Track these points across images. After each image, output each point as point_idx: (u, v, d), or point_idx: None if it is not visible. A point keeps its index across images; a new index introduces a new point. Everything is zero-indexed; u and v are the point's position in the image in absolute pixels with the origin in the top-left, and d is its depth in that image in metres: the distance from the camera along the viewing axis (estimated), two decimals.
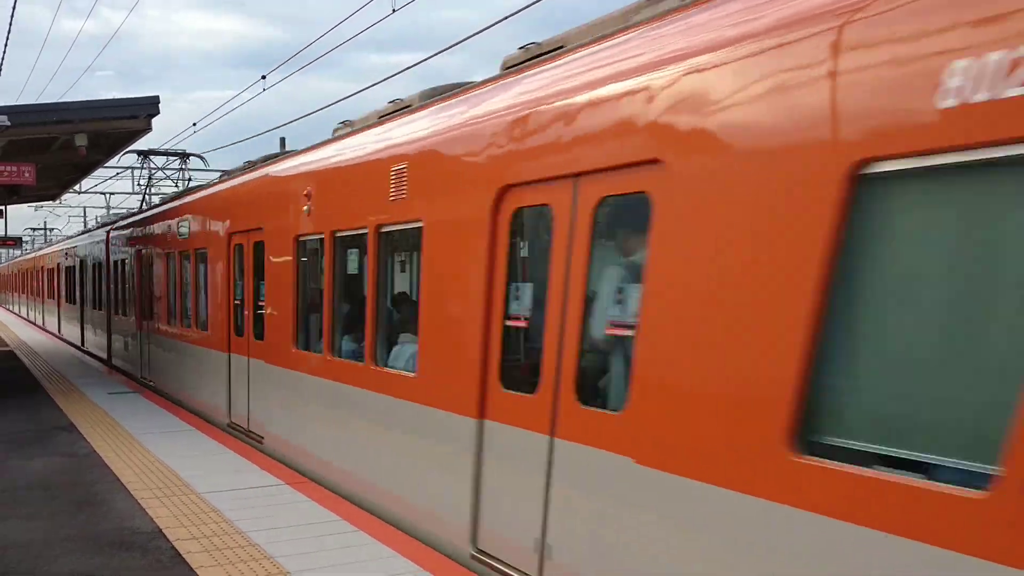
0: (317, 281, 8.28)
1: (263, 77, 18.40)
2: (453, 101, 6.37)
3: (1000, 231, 3.03)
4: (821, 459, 3.34)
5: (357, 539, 6.21)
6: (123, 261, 17.36)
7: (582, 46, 5.24)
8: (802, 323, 3.43)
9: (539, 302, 5.16)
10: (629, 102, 4.42)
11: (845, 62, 3.37)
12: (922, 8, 3.14)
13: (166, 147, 36.63)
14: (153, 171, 35.23)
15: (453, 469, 5.71)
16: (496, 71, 6.31)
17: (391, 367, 6.80)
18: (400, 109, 7.47)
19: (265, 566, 5.66)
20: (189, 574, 5.52)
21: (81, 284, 23.25)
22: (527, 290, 5.36)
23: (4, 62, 14.45)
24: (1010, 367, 2.88)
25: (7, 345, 23.83)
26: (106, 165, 22.71)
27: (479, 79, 6.47)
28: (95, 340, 21.25)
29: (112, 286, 18.70)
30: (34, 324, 34.77)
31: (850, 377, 3.39)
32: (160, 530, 6.43)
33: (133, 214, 19.11)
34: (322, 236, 7.92)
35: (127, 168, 39.00)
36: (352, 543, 6.12)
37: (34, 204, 38.95)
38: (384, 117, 7.64)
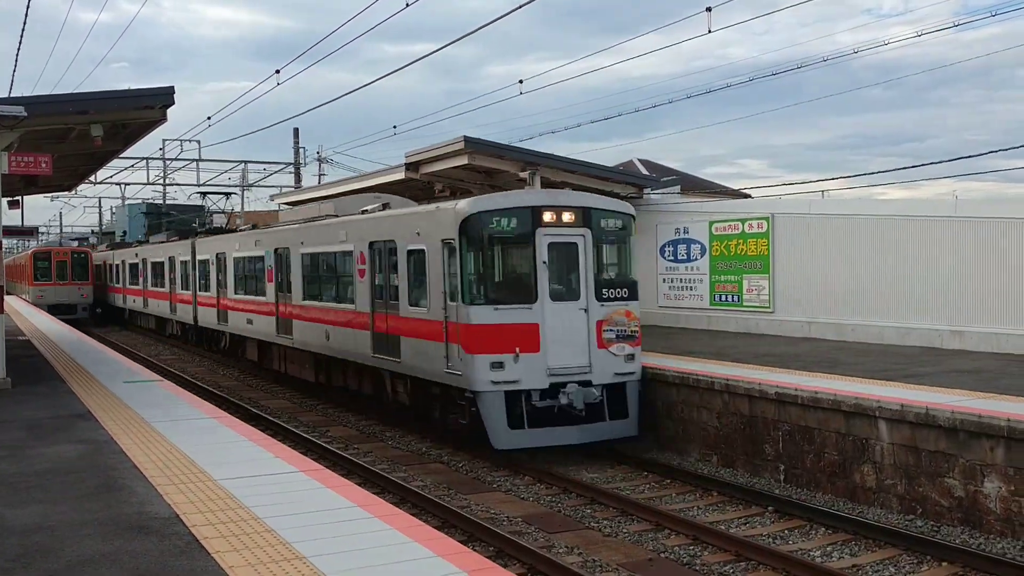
0: None
1: (277, 71, 18.55)
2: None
3: None
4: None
5: (370, 525, 6.30)
6: None
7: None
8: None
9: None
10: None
11: None
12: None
13: (180, 138, 36.67)
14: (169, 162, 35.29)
15: None
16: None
17: None
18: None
19: (281, 551, 5.75)
20: (206, 558, 5.62)
21: None
22: None
23: (20, 52, 14.56)
24: None
25: (24, 335, 24.04)
26: (121, 156, 22.85)
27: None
28: None
29: None
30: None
31: None
32: (178, 516, 6.54)
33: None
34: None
35: (142, 159, 39.18)
36: (366, 529, 6.21)
37: (50, 194, 39.18)
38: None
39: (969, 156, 34.16)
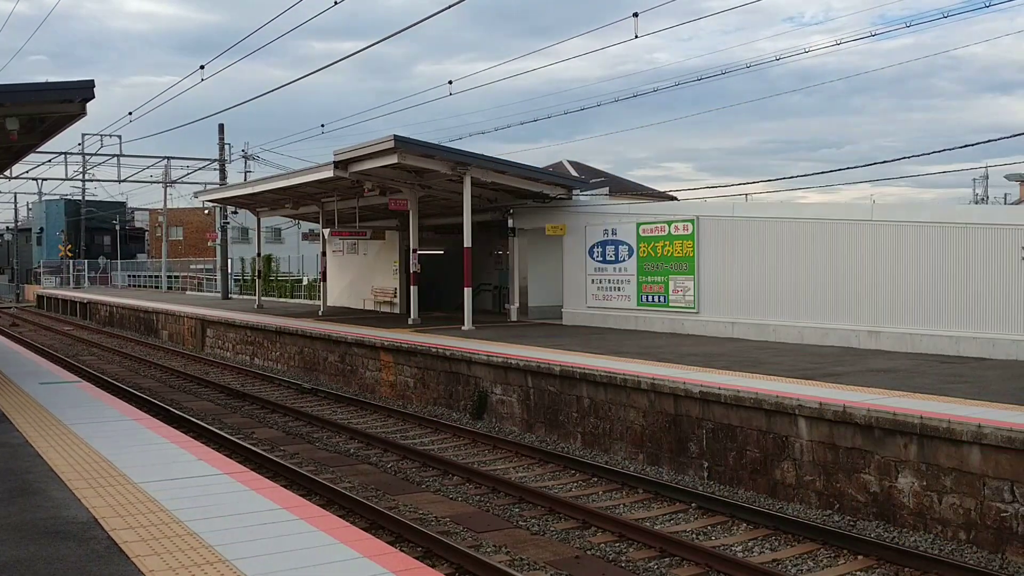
0: None
1: (202, 67, 18.22)
2: None
3: None
4: None
5: (296, 527, 6.25)
6: None
7: None
8: None
9: None
10: None
11: None
12: None
13: (100, 133, 35.77)
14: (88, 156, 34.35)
15: None
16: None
17: None
18: None
19: (204, 555, 5.66)
20: (126, 563, 5.50)
21: None
22: None
23: None
24: None
25: None
26: (38, 151, 22.19)
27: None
28: None
29: None
30: None
31: None
32: (96, 520, 6.38)
33: None
34: None
35: (60, 154, 38.07)
36: (291, 531, 6.15)
37: None
38: None
39: (884, 162, 35.28)
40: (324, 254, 31.62)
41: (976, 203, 57.73)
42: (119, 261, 68.23)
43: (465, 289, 21.48)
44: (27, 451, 8.71)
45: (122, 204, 73.97)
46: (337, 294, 33.48)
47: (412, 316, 23.46)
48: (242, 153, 43.27)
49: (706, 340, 17.90)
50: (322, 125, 41.30)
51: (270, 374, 22.67)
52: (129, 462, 8.22)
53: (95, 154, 38.60)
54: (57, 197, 70.99)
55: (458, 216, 22.11)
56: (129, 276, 64.75)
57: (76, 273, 66.28)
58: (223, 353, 28.00)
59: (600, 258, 21.70)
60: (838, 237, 16.40)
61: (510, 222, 24.52)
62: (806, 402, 10.46)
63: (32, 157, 29.25)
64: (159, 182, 46.61)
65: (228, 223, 42.04)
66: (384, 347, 18.99)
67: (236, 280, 47.90)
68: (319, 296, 32.73)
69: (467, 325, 20.99)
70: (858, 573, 8.27)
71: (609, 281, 21.47)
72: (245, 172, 43.35)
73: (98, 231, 75.50)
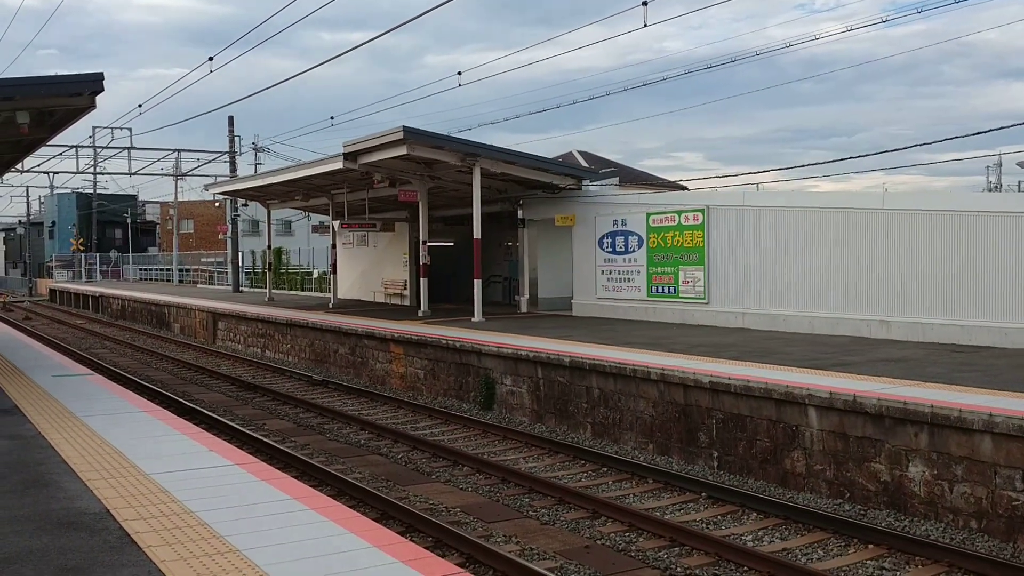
0: None
1: (210, 59, 18.22)
2: None
3: None
4: None
5: (306, 517, 6.28)
6: None
7: None
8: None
9: None
10: None
11: None
12: None
13: (110, 126, 35.88)
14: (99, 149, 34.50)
15: None
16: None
17: None
18: None
19: (215, 545, 5.69)
20: (137, 553, 5.54)
21: None
22: None
23: None
24: None
25: None
26: (49, 144, 22.28)
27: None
28: None
29: None
30: None
31: None
32: (108, 511, 6.43)
33: None
34: None
35: (71, 147, 38.23)
36: (302, 521, 6.18)
37: None
38: None
39: (895, 149, 35.12)
40: (334, 246, 31.67)
41: (989, 191, 57.40)
42: (130, 254, 68.50)
43: (475, 281, 21.49)
44: (40, 443, 8.78)
45: (133, 197, 74.24)
46: (347, 286, 33.54)
47: (422, 308, 23.48)
48: (252, 145, 43.35)
49: (716, 330, 17.87)
50: (331, 117, 41.51)
51: (281, 366, 22.75)
52: (141, 454, 8.27)
53: (106, 147, 38.75)
54: (68, 191, 71.32)
55: (468, 207, 22.10)
56: (140, 269, 65.02)
57: (88, 267, 66.57)
58: (234, 346, 28.10)
59: (610, 249, 21.67)
60: (848, 226, 16.33)
61: (520, 213, 24.50)
62: (816, 391, 10.44)
63: (43, 150, 29.40)
64: (170, 175, 46.77)
65: (239, 215, 42.14)
66: (394, 339, 19.03)
67: (247, 273, 48.09)
68: (329, 288, 32.79)
69: (477, 317, 21.00)
70: (868, 562, 8.26)
71: (619, 272, 21.45)
72: (255, 164, 43.44)
73: (109, 224, 75.80)
